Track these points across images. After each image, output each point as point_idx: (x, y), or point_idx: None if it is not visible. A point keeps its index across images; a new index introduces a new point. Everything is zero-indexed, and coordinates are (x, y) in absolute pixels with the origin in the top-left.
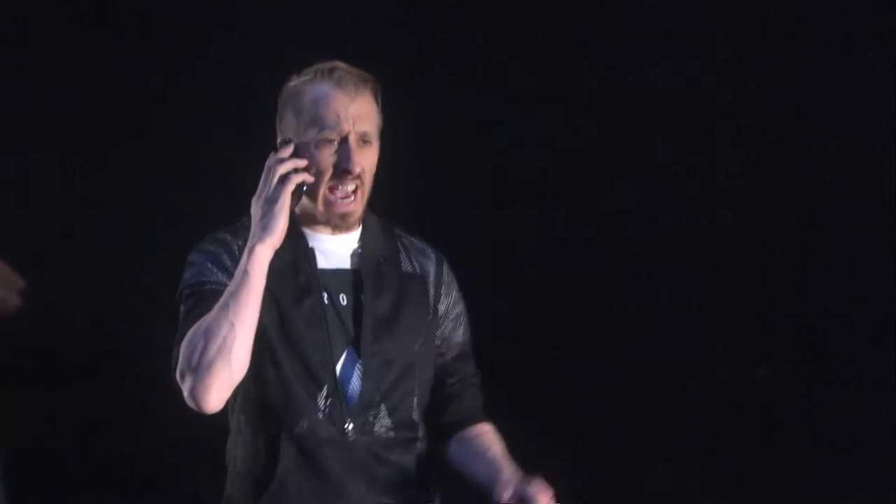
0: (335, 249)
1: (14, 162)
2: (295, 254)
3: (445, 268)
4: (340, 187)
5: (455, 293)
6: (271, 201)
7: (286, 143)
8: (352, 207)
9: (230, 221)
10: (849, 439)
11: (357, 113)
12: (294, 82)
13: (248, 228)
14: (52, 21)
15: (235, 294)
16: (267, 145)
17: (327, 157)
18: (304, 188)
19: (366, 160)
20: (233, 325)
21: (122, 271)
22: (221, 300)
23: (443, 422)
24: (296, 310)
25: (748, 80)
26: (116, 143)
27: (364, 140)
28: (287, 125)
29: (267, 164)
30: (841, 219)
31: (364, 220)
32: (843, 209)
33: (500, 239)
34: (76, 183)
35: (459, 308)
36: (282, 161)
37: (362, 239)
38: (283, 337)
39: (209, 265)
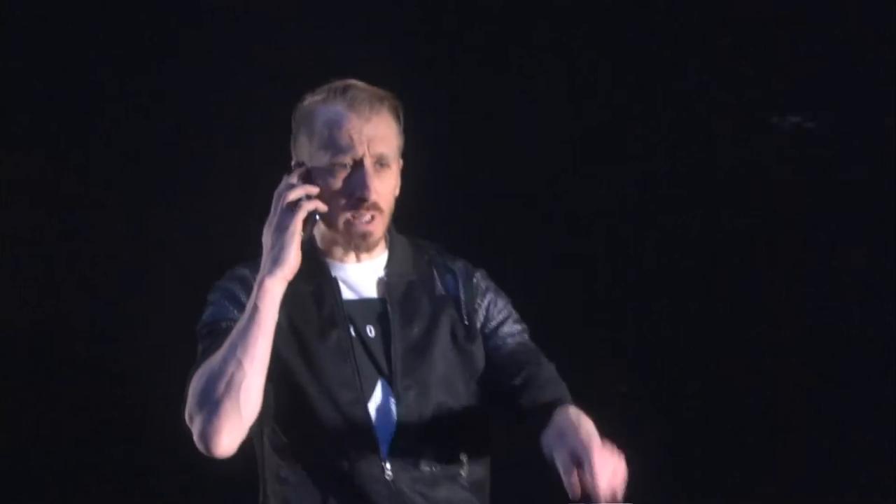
0: (360, 278)
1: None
2: (317, 285)
3: (477, 277)
4: (356, 215)
5: (491, 295)
6: (281, 230)
7: (299, 166)
8: (371, 228)
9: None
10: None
11: (372, 135)
12: (307, 102)
13: None
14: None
15: (244, 331)
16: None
17: (341, 182)
18: (318, 216)
19: (383, 185)
20: (240, 362)
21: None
22: (230, 337)
23: (522, 415)
24: (321, 344)
25: None
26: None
27: (381, 163)
28: (301, 147)
29: (277, 190)
30: None
31: (391, 244)
32: None
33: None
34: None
35: (502, 308)
36: (292, 187)
37: (389, 265)
38: (310, 374)
39: (225, 303)
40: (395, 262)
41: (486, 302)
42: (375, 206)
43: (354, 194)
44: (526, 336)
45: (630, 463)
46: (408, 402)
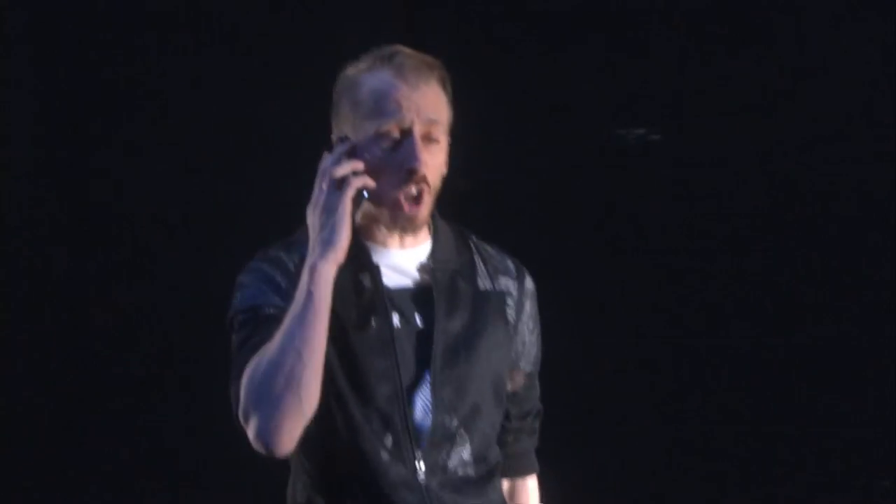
0: (403, 264)
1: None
2: (357, 271)
3: (527, 283)
4: (404, 190)
5: (533, 312)
6: (330, 211)
7: (342, 140)
8: (417, 210)
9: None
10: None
11: (421, 103)
12: (350, 71)
13: (303, 243)
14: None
15: (300, 319)
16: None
17: (389, 154)
18: (366, 195)
19: (433, 158)
20: (300, 353)
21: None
22: (284, 326)
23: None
24: (360, 335)
25: None
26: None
27: (430, 136)
28: (343, 120)
29: (321, 167)
30: None
31: (435, 229)
32: None
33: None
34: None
35: (535, 331)
36: (337, 163)
37: (433, 251)
38: (346, 366)
39: (263, 287)
40: (439, 248)
41: (527, 319)
42: (424, 180)
43: (403, 166)
44: (537, 368)
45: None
46: (443, 400)
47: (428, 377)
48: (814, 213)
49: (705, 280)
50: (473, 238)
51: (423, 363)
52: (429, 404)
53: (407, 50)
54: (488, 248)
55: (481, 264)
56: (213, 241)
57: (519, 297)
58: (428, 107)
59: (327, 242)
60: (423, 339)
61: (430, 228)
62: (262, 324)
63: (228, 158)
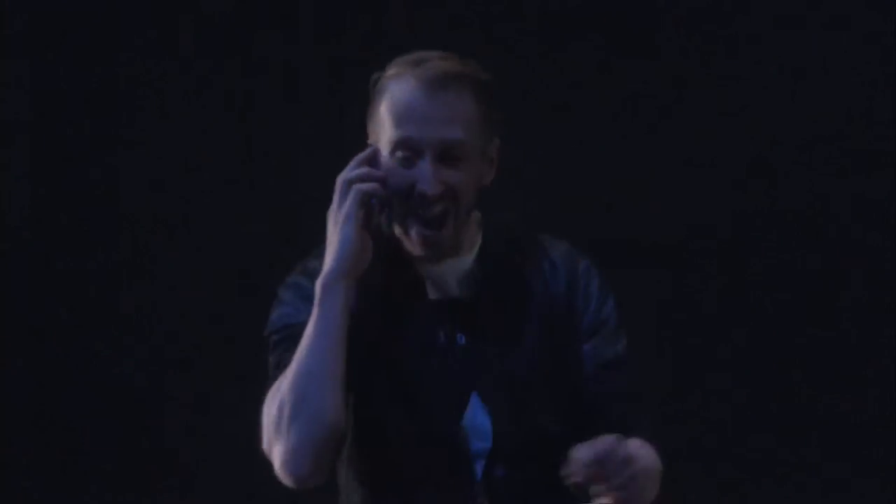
0: (447, 275)
1: None
2: (399, 284)
3: (581, 268)
4: (421, 212)
5: (594, 302)
6: (342, 219)
7: (369, 148)
8: (436, 238)
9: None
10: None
11: (440, 118)
12: (383, 74)
13: None
14: None
15: (309, 339)
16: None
17: (404, 172)
18: (384, 207)
19: (453, 177)
20: (310, 375)
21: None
22: (297, 351)
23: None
24: (404, 352)
25: None
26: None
27: (450, 154)
28: (372, 126)
29: (337, 179)
30: None
31: (485, 232)
32: None
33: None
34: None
35: (603, 316)
36: (352, 169)
37: (481, 258)
38: (390, 389)
39: (299, 302)
40: (488, 255)
41: (589, 308)
42: (442, 199)
43: (416, 188)
44: (618, 355)
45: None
46: (503, 421)
47: (482, 396)
48: (813, 213)
49: (705, 280)
50: (528, 234)
51: (475, 382)
52: (487, 425)
53: (437, 56)
54: (548, 245)
55: (538, 267)
56: (214, 242)
57: (573, 291)
58: (446, 126)
59: (336, 254)
60: (474, 356)
61: (476, 232)
62: (295, 343)
63: (230, 158)
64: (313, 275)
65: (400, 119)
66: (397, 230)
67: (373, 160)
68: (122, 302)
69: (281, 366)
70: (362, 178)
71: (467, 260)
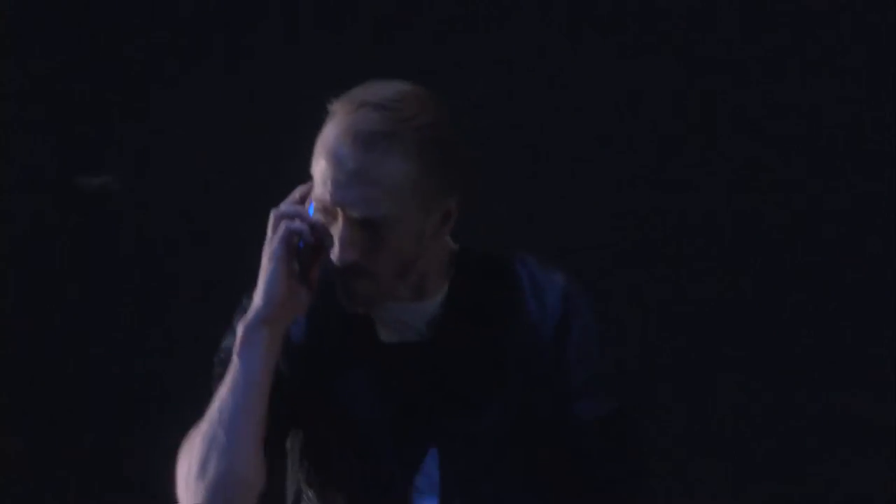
0: (406, 317)
1: None
2: (348, 323)
3: (576, 319)
4: (339, 279)
5: (590, 356)
6: (269, 258)
7: (309, 182)
8: (354, 302)
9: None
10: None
11: (358, 185)
12: (334, 105)
13: None
14: None
15: (226, 387)
16: None
17: (328, 228)
18: (318, 252)
19: (371, 250)
20: (225, 425)
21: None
22: (214, 397)
23: None
24: (351, 402)
25: None
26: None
27: (369, 226)
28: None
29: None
30: None
31: (457, 269)
32: None
33: None
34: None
35: (599, 371)
36: (287, 203)
37: (449, 301)
38: (339, 438)
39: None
40: (457, 297)
41: (579, 356)
42: (354, 269)
43: (333, 252)
44: (613, 412)
45: None
46: (454, 477)
47: (439, 453)
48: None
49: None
50: (518, 266)
51: (430, 437)
52: (434, 484)
53: (381, 101)
54: (535, 274)
55: (521, 305)
56: (215, 242)
57: (558, 332)
58: (364, 197)
59: (261, 297)
60: (431, 406)
61: (446, 272)
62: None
63: (230, 158)
64: None
65: (321, 174)
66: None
67: (306, 198)
68: (123, 301)
69: (213, 398)
70: (291, 216)
71: (433, 303)
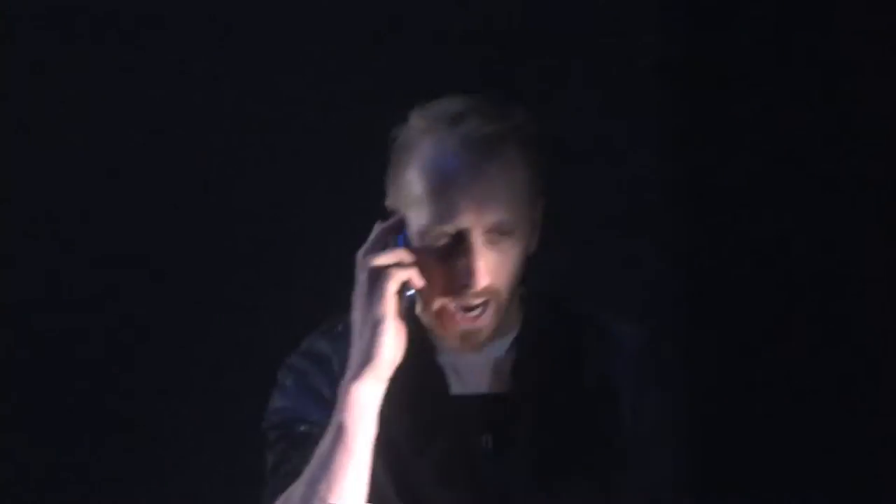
0: (476, 365)
1: None
2: (418, 373)
3: (645, 355)
4: (458, 303)
5: (647, 404)
6: (369, 311)
7: (392, 213)
8: (479, 324)
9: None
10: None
11: (485, 194)
12: (409, 125)
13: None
14: None
15: (326, 458)
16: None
17: (441, 258)
18: (411, 292)
19: (500, 265)
20: (340, 491)
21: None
22: (311, 465)
23: None
24: (418, 458)
25: None
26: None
27: (498, 230)
28: (395, 188)
29: (361, 249)
30: None
31: (525, 314)
32: None
33: None
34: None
35: (651, 424)
36: (375, 249)
37: (520, 345)
38: (400, 496)
39: (302, 398)
40: (529, 341)
41: (640, 408)
42: (488, 291)
43: (457, 279)
44: (661, 489)
45: None
46: None
47: None
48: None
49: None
50: (585, 315)
51: (505, 497)
52: None
53: (474, 109)
54: (601, 324)
55: (591, 354)
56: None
57: (639, 386)
58: (493, 204)
59: (365, 356)
60: (504, 465)
61: (516, 314)
62: (296, 445)
63: (230, 159)
64: (320, 360)
65: (438, 196)
66: (424, 317)
67: (398, 230)
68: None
69: (280, 472)
70: (391, 263)
71: (503, 345)
